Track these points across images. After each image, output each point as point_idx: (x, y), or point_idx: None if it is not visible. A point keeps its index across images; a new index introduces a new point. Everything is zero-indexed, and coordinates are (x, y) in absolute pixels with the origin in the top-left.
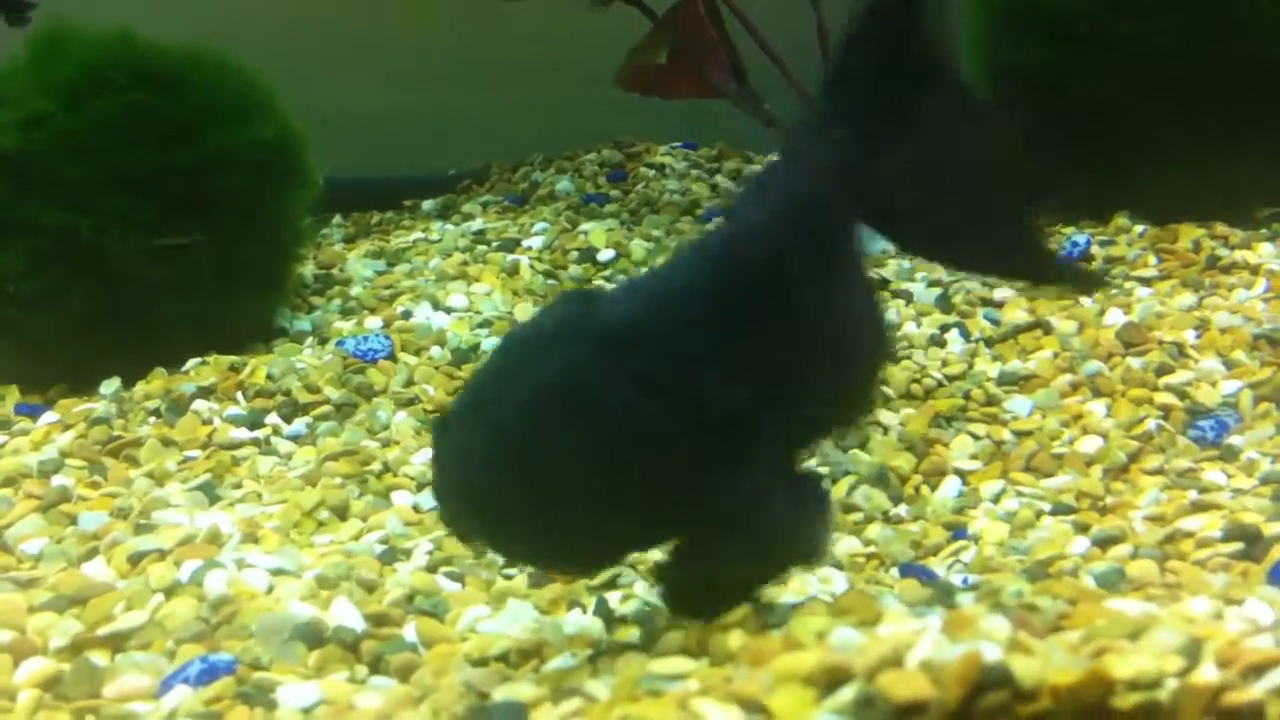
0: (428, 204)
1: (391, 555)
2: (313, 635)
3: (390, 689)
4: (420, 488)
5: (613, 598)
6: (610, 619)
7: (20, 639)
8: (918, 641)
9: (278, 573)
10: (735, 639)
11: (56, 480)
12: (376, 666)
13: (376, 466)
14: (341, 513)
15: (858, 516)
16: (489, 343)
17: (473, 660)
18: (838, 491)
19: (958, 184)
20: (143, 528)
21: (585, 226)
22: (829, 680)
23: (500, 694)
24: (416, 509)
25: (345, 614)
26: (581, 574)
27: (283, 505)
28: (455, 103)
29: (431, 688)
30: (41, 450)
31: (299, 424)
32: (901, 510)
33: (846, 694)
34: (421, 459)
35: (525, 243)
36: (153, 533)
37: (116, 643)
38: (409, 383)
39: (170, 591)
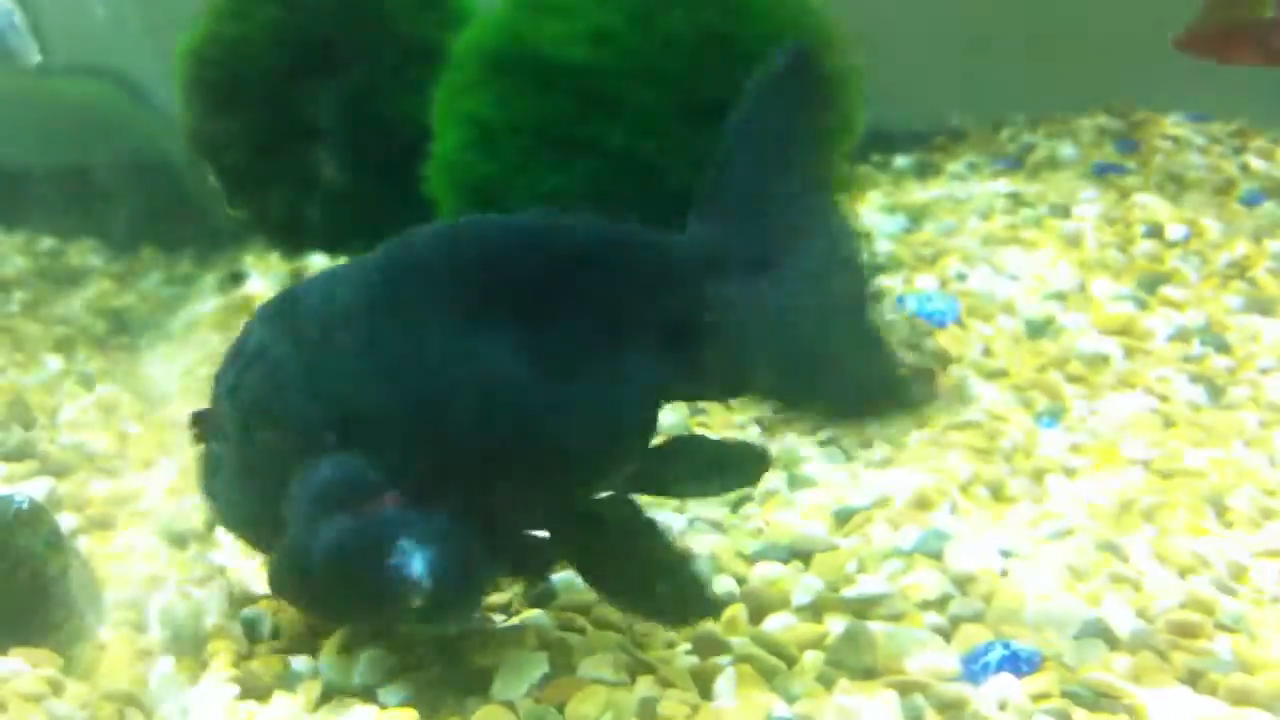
0: (901, 160)
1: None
2: (1105, 635)
3: None
4: (1069, 473)
5: None
6: None
7: (754, 588)
8: None
9: (1005, 554)
10: None
11: (665, 416)
12: (1194, 682)
13: (1005, 443)
14: (996, 490)
15: None
16: (1067, 318)
17: None
18: None
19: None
20: (798, 480)
21: (1142, 199)
22: None
23: None
24: (1077, 498)
25: (1120, 614)
26: None
27: (936, 476)
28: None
29: None
30: None
31: None
32: None
33: None
34: (1055, 441)
35: (1077, 211)
36: (824, 489)
37: (861, 608)
38: (986, 352)
39: (900, 558)
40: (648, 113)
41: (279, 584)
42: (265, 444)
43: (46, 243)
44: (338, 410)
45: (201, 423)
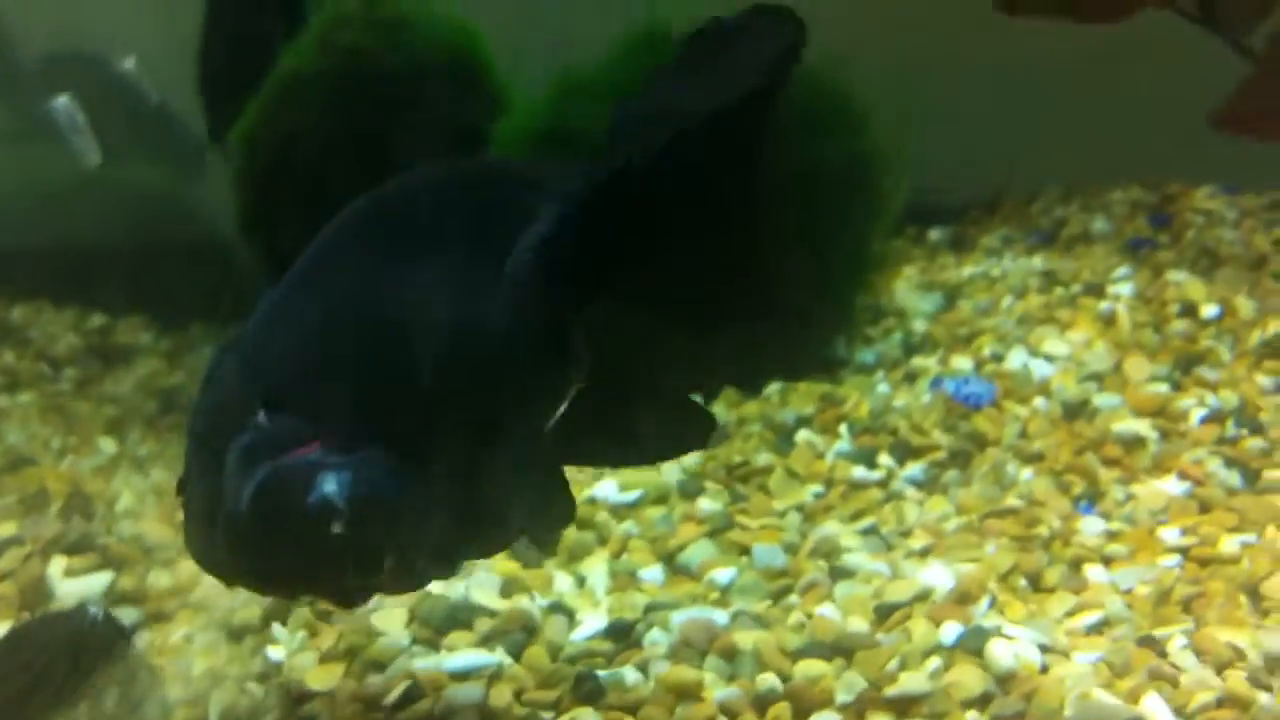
0: (935, 233)
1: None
2: None
3: None
4: (1106, 561)
5: None
6: None
7: (798, 686)
8: None
9: (1045, 649)
10: None
11: (704, 504)
12: None
13: (1045, 531)
14: (1035, 580)
15: None
16: (1102, 399)
17: None
18: None
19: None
20: (839, 572)
21: (1175, 277)
22: None
23: None
24: (1115, 588)
25: (1159, 712)
26: None
27: (975, 565)
28: (949, 126)
29: None
30: (663, 469)
31: (915, 468)
32: None
33: None
34: (1093, 527)
35: (1112, 289)
36: (865, 582)
37: (904, 706)
38: (1023, 435)
39: (941, 655)
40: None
41: (217, 558)
42: (212, 453)
43: (96, 320)
44: (270, 382)
45: (180, 484)
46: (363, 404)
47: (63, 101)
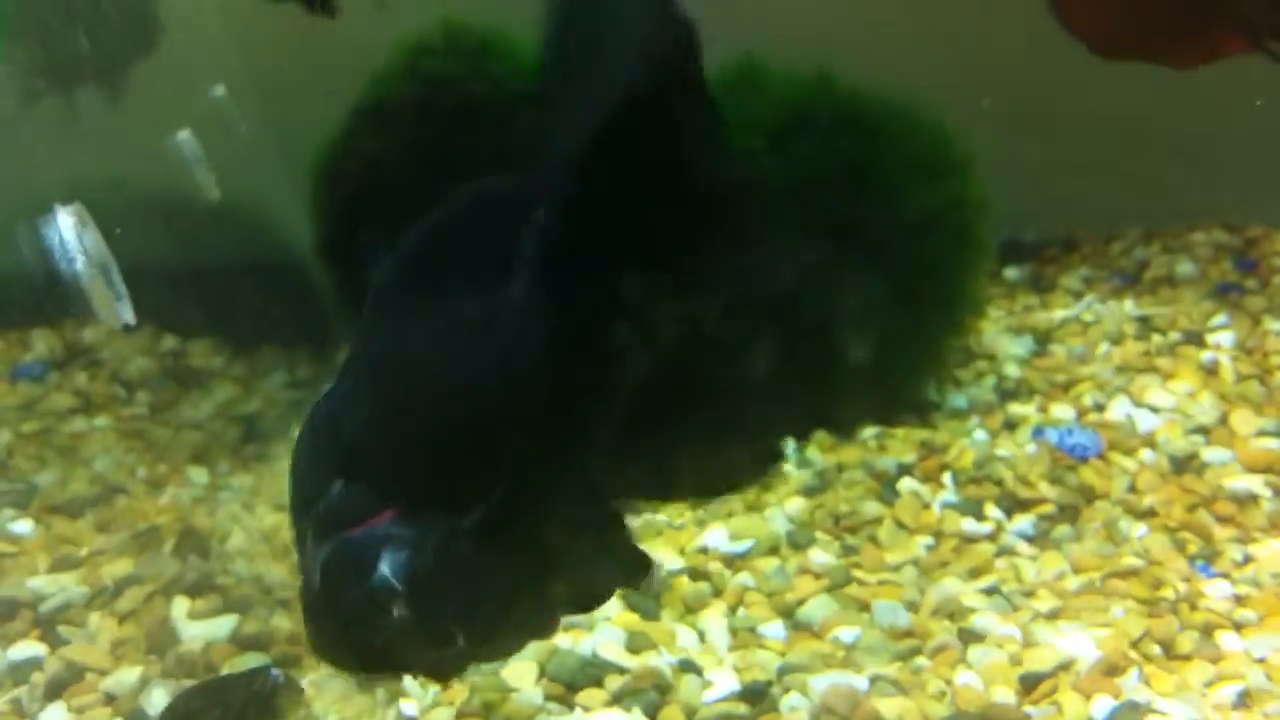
0: (1011, 272)
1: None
2: None
3: None
4: (1238, 627)
5: None
6: None
7: None
8: None
9: None
10: None
11: (817, 556)
12: None
13: (1170, 594)
14: (1168, 647)
15: None
16: (1211, 454)
17: None
18: None
19: None
20: (968, 635)
21: (1275, 326)
22: None
23: None
24: (1250, 656)
25: None
26: None
27: (1107, 630)
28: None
29: None
30: (769, 517)
31: (1023, 522)
32: None
33: None
34: (1219, 591)
35: (1211, 338)
36: (999, 646)
37: None
38: (1132, 489)
39: None
40: (781, 231)
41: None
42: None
43: (169, 342)
44: (344, 449)
45: None
46: (426, 469)
47: (185, 135)
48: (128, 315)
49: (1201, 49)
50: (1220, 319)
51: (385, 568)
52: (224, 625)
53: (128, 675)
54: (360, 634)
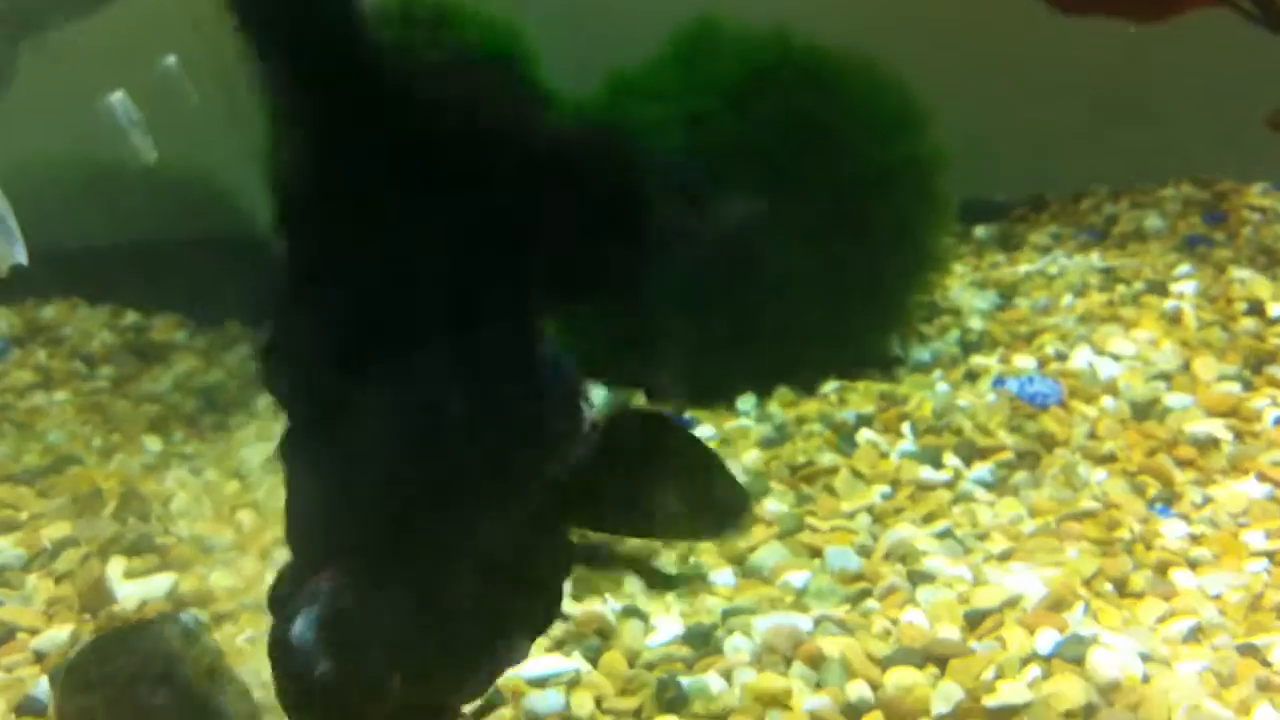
0: (981, 231)
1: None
2: None
3: None
4: (1192, 566)
5: None
6: None
7: (890, 695)
8: None
9: (1145, 658)
10: None
11: (771, 505)
12: None
13: (1126, 534)
14: (1121, 586)
15: None
16: (1173, 399)
17: None
18: None
19: None
20: (918, 576)
21: (1239, 274)
22: None
23: None
24: (1205, 593)
25: None
26: None
27: (1059, 569)
28: (996, 124)
29: None
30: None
31: (982, 469)
32: None
33: None
34: (1174, 531)
35: (1175, 287)
36: (948, 586)
37: (1004, 717)
38: (1092, 435)
39: (1039, 664)
40: (742, 192)
41: None
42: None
43: (130, 317)
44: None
45: None
46: (343, 522)
47: (119, 97)
48: (21, 256)
49: (1166, 1)
50: (1184, 269)
51: (297, 629)
52: (161, 584)
53: (59, 633)
54: (311, 701)
